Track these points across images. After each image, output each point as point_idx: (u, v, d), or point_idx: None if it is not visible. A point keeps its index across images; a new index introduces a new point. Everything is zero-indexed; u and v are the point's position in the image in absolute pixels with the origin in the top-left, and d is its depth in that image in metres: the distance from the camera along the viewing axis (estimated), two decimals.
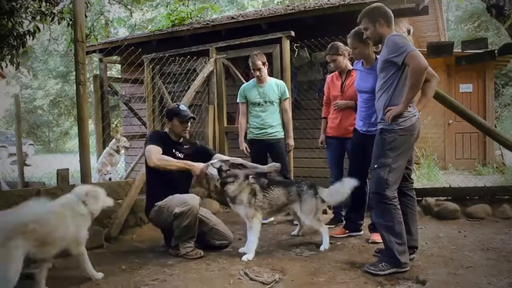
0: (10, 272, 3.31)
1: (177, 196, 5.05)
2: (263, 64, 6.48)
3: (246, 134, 6.76)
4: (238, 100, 6.82)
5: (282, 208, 5.33)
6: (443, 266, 4.39)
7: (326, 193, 5.28)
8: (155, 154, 4.99)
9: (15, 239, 3.39)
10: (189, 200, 4.93)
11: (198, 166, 5.04)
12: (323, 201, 5.26)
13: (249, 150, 6.73)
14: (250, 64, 6.52)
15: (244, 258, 4.82)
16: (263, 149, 6.63)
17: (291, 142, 6.69)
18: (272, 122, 6.54)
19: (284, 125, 6.66)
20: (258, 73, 6.46)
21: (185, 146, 5.45)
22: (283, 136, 6.64)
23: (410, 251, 4.43)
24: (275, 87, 6.56)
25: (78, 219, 4.11)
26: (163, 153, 5.05)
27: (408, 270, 4.24)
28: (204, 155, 5.43)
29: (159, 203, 5.06)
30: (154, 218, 5.19)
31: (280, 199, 5.21)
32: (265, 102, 6.53)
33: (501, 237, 5.44)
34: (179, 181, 5.27)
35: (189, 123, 5.35)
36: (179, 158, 5.25)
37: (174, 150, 5.28)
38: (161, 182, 5.15)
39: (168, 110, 5.45)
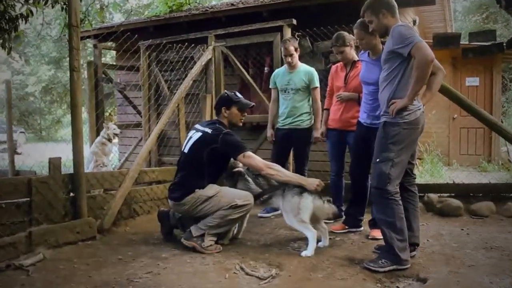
0: None
1: (233, 190, 5.20)
2: (296, 50, 6.43)
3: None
4: (270, 86, 6.86)
5: (268, 201, 5.30)
6: (444, 264, 4.41)
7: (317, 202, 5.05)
8: (261, 161, 5.02)
9: None
10: (250, 198, 5.07)
11: (312, 182, 4.96)
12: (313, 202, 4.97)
13: (273, 139, 6.75)
14: (282, 49, 6.47)
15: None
16: (286, 139, 6.57)
17: (316, 133, 6.48)
18: (296, 111, 6.47)
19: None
20: (289, 59, 6.41)
21: None
22: (307, 126, 6.53)
23: (411, 248, 4.44)
24: (303, 74, 6.45)
25: None
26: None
27: (409, 268, 4.25)
28: None
29: (202, 191, 5.05)
30: (188, 204, 5.07)
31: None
32: (291, 89, 6.47)
33: (504, 235, 5.45)
34: (219, 174, 5.40)
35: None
36: None
37: None
38: (208, 172, 5.15)
39: (226, 98, 5.37)
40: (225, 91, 5.64)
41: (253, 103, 5.49)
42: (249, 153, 5.01)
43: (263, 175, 5.12)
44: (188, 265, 4.48)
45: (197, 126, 5.41)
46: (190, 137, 5.26)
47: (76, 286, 3.96)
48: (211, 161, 5.08)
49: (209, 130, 5.12)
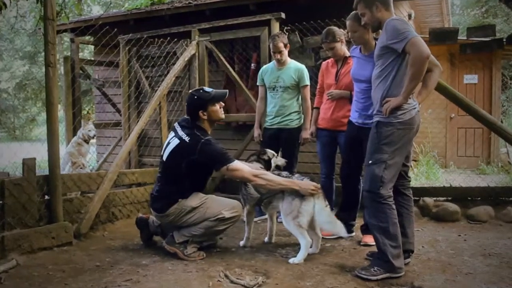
0: None
1: (221, 199, 5.20)
2: (285, 46, 6.43)
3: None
4: (257, 83, 6.85)
5: (269, 205, 5.25)
6: (440, 271, 4.43)
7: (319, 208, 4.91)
8: (248, 171, 4.85)
9: None
10: (238, 207, 5.07)
11: (307, 187, 4.83)
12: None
13: (261, 139, 6.75)
14: (271, 45, 6.46)
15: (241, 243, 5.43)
16: (274, 139, 6.56)
17: (305, 134, 6.47)
18: (284, 110, 6.49)
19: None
20: (278, 56, 6.41)
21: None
22: (296, 126, 6.54)
23: (405, 255, 4.46)
24: (293, 71, 6.46)
25: None
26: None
27: (403, 276, 4.26)
28: None
29: (185, 201, 4.96)
30: (172, 215, 4.99)
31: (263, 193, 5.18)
32: (280, 87, 6.48)
33: (504, 242, 5.48)
34: (204, 183, 5.35)
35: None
36: None
37: None
38: (190, 181, 5.03)
39: (198, 101, 4.98)
40: (191, 92, 5.23)
41: (226, 90, 5.32)
42: (233, 164, 4.79)
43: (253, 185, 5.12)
44: (169, 272, 4.47)
45: (176, 127, 5.15)
46: (169, 143, 5.08)
47: None
48: (191, 172, 4.96)
49: (186, 138, 4.89)
